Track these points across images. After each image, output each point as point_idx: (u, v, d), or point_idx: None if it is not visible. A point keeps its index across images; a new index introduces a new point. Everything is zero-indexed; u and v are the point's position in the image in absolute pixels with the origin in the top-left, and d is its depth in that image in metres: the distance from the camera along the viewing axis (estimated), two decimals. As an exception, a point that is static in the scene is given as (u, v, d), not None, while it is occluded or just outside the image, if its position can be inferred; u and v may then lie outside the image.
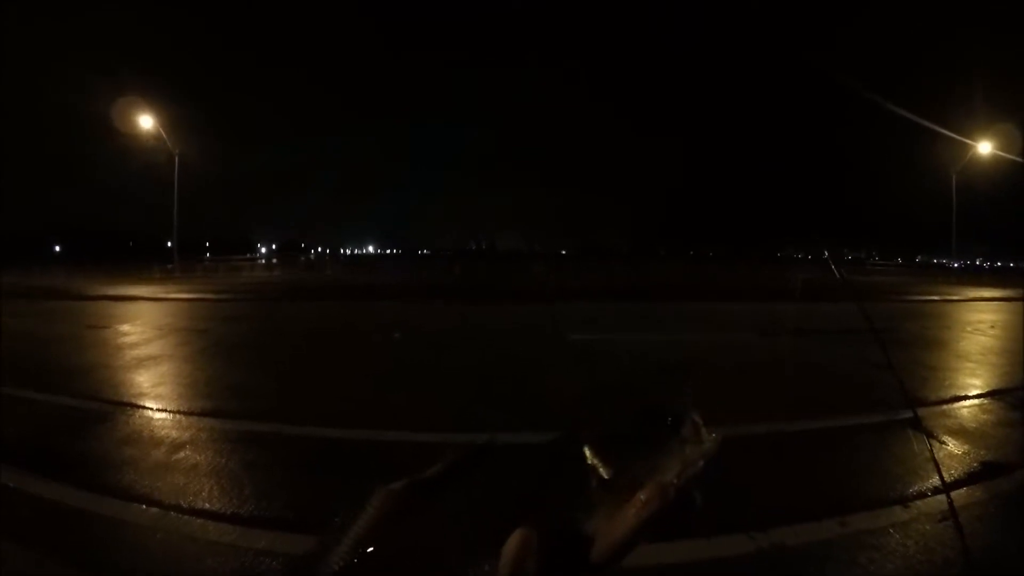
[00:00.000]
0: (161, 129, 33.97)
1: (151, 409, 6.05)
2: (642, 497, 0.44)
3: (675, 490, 0.45)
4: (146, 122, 33.74)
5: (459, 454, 0.51)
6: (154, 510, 3.74)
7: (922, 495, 3.91)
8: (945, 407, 6.26)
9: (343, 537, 0.45)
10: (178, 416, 5.83)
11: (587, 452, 0.48)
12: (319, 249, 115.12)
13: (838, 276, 2.36)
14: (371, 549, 0.45)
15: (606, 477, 0.46)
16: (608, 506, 0.45)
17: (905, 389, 3.04)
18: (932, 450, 4.70)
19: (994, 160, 35.03)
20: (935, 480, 4.02)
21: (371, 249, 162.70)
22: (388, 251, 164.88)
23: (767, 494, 3.93)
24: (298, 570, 0.50)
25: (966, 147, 35.43)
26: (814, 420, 5.68)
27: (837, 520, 3.56)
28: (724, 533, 3.31)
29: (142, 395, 6.63)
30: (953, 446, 4.99)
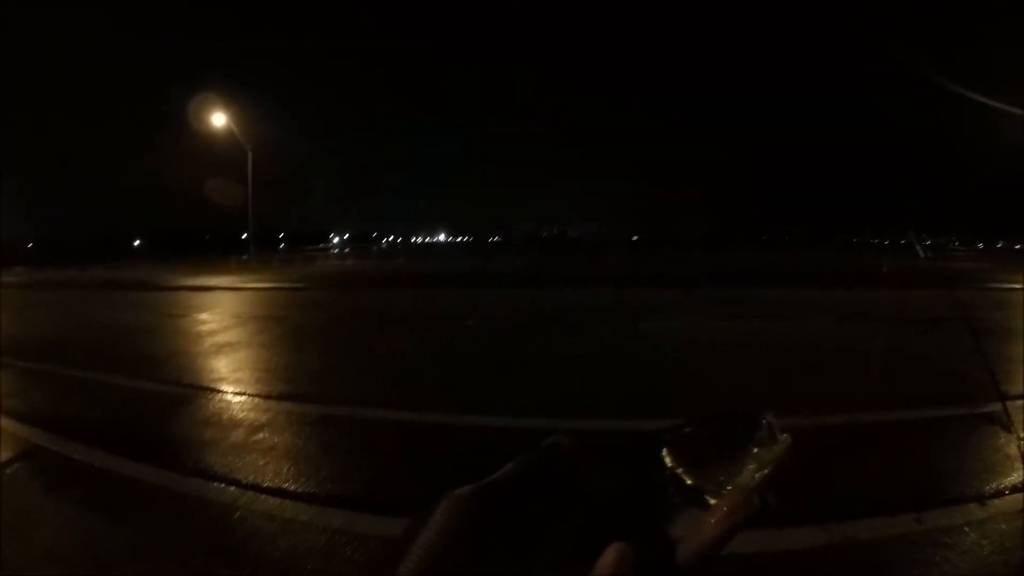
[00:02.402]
0: (234, 126, 34.87)
1: (230, 393, 6.30)
2: (726, 505, 0.43)
3: (758, 496, 0.44)
4: (219, 120, 34.68)
5: (530, 456, 0.49)
6: (233, 489, 3.91)
7: (1001, 493, 3.76)
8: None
9: (410, 548, 0.43)
10: (256, 399, 6.06)
11: (666, 457, 0.47)
12: (391, 238, 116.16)
13: (922, 258, 2.27)
14: (441, 562, 0.42)
15: (688, 483, 0.46)
16: (690, 513, 0.44)
17: (995, 381, 2.92)
18: (1019, 447, 4.50)
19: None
20: (1017, 478, 3.86)
21: (442, 237, 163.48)
22: (460, 239, 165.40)
23: (843, 486, 3.84)
24: None
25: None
26: (893, 411, 5.48)
27: (913, 516, 3.46)
28: (797, 525, 3.25)
29: (221, 380, 6.92)
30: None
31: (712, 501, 0.44)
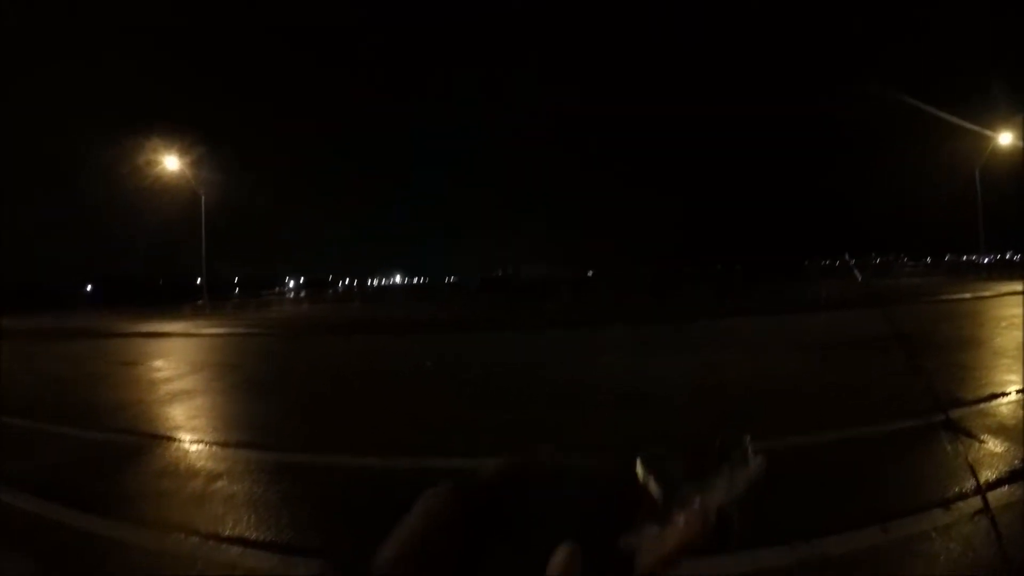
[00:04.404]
0: (186, 170, 34.59)
1: (187, 441, 6.13)
2: (683, 520, 0.45)
3: (716, 513, 0.45)
4: (171, 163, 34.37)
5: (509, 459, 0.51)
6: (194, 539, 3.78)
7: (963, 497, 3.84)
8: (983, 406, 6.12)
9: (385, 539, 0.46)
10: (213, 448, 5.90)
11: (639, 472, 0.48)
12: (346, 281, 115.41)
13: (861, 283, 2.34)
14: (416, 550, 0.44)
15: (654, 497, 0.47)
16: (653, 525, 0.45)
17: (935, 392, 2.99)
18: (970, 451, 4.62)
19: (1016, 151, 34.36)
20: (973, 482, 3.96)
21: (398, 279, 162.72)
22: (415, 280, 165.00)
23: (806, 505, 3.88)
24: (344, 568, 0.50)
25: (987, 139, 34.87)
26: (849, 429, 5.59)
27: (879, 527, 3.51)
28: (765, 545, 3.27)
29: (177, 428, 6.72)
30: (992, 445, 4.88)
31: (675, 516, 0.45)
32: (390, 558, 0.43)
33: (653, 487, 0.47)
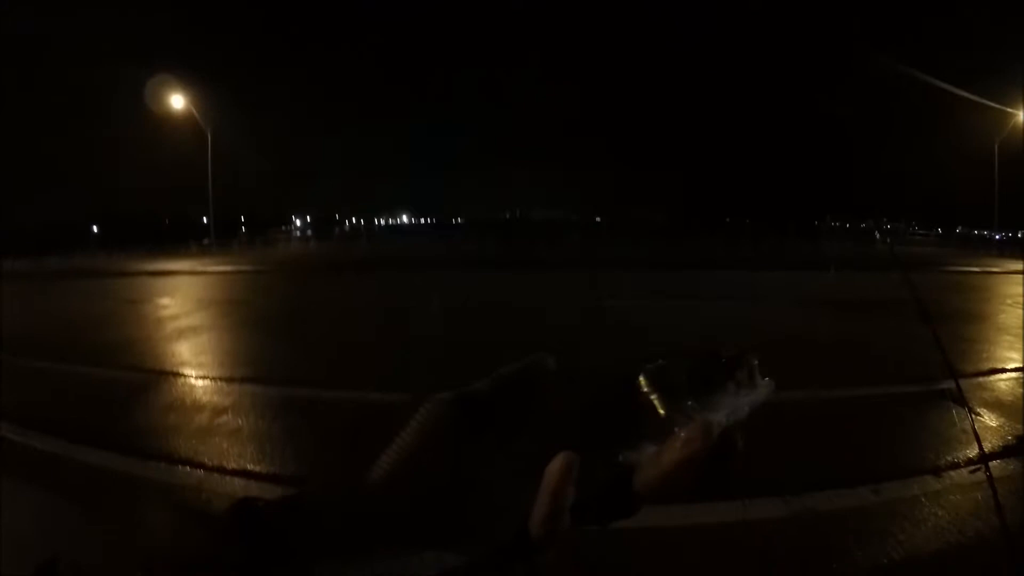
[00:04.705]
0: (193, 108, 34.13)
1: (193, 377, 6.22)
2: (684, 434, 0.44)
3: (720, 431, 0.44)
4: (178, 102, 33.91)
5: (513, 369, 0.50)
6: (199, 472, 3.87)
7: (955, 466, 3.88)
8: (982, 379, 6.14)
9: (385, 448, 0.45)
10: (219, 383, 6.00)
11: (642, 383, 0.47)
12: (353, 221, 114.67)
13: (883, 246, 2.30)
14: (412, 461, 0.45)
15: (657, 410, 0.46)
16: (655, 439, 0.45)
17: (948, 360, 3.00)
18: (970, 422, 4.65)
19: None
20: (970, 452, 3.99)
21: (405, 219, 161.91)
22: (422, 220, 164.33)
23: (803, 460, 3.93)
24: (336, 482, 0.49)
25: (1008, 116, 34.28)
26: (850, 388, 5.63)
27: (871, 488, 3.56)
28: (758, 496, 3.32)
29: (184, 364, 6.82)
30: (988, 419, 4.92)
31: (678, 430, 0.45)
32: (383, 473, 0.44)
33: (656, 400, 0.47)
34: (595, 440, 0.46)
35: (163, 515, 3.38)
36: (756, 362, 0.50)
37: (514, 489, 0.43)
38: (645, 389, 0.47)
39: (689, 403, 0.47)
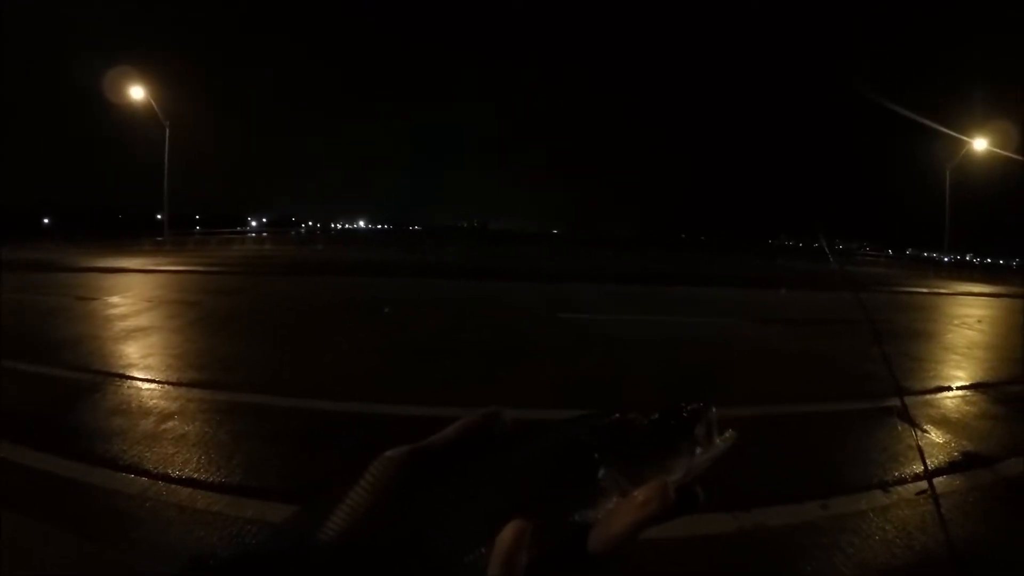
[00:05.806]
0: (152, 101, 33.45)
1: (140, 380, 6.04)
2: (641, 496, 0.43)
3: (676, 490, 0.44)
4: (137, 93, 33.19)
5: (464, 426, 0.49)
6: (143, 480, 3.75)
7: (903, 481, 3.97)
8: (929, 397, 6.31)
9: (336, 505, 0.44)
10: (166, 387, 5.83)
11: (596, 441, 0.46)
12: (310, 223, 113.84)
13: (835, 265, 2.36)
14: (363, 519, 0.43)
15: (613, 470, 0.45)
16: (610, 500, 0.44)
17: (895, 377, 3.06)
18: (916, 438, 4.76)
19: (990, 157, 34.95)
20: (917, 467, 4.08)
21: (362, 224, 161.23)
22: (379, 226, 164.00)
23: (751, 475, 3.97)
24: (286, 535, 0.47)
25: (961, 143, 35.42)
26: (800, 404, 5.73)
27: (819, 503, 3.62)
28: (707, 511, 3.34)
29: (131, 366, 6.62)
30: (935, 435, 5.04)
31: (633, 491, 0.43)
32: (335, 531, 0.42)
33: (614, 459, 0.45)
34: (550, 496, 0.45)
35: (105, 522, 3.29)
36: (715, 417, 0.49)
37: (468, 546, 0.42)
38: (603, 447, 0.46)
39: (647, 464, 0.45)
